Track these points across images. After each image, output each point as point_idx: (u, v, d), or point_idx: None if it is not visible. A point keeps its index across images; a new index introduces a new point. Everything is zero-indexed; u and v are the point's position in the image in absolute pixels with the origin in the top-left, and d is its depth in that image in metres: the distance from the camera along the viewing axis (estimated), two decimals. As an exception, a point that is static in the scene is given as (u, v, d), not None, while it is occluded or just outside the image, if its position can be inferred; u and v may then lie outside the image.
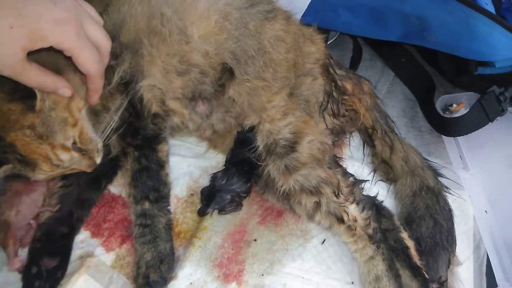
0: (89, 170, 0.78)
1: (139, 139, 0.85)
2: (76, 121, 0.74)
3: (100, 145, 0.79)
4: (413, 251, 0.84)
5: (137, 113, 0.84)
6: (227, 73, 0.84)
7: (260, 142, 0.87)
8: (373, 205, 0.89)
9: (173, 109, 0.87)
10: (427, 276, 0.81)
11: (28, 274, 0.80)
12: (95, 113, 0.82)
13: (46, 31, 0.60)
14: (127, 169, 0.85)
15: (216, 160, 1.00)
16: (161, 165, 0.86)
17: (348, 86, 0.97)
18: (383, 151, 0.97)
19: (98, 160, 0.79)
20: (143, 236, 0.84)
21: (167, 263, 0.84)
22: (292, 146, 0.84)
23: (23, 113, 0.68)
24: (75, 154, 0.75)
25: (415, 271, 0.82)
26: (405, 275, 0.82)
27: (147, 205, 0.84)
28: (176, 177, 0.97)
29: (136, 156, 0.84)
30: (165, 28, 0.80)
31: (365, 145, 1.02)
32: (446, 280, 0.83)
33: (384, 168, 0.98)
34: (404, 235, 0.86)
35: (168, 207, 0.88)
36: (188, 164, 1.00)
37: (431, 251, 0.85)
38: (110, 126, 0.80)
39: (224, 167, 0.94)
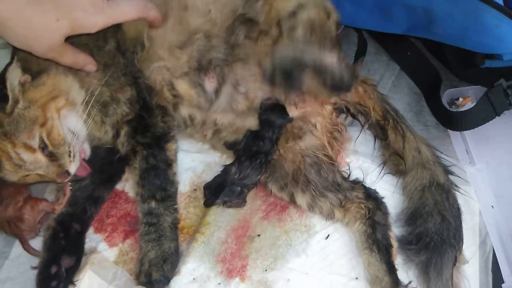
0: (58, 181, 0.77)
1: (148, 137, 0.85)
2: (46, 120, 0.74)
3: (74, 151, 0.77)
4: (394, 252, 0.86)
5: (147, 106, 0.84)
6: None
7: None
8: (374, 197, 0.91)
9: (181, 93, 0.87)
10: (398, 277, 0.84)
11: (45, 273, 0.79)
12: (104, 105, 0.82)
13: (82, 19, 0.69)
14: (135, 167, 0.85)
15: (220, 155, 1.00)
16: (169, 164, 0.87)
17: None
18: (396, 140, 0.96)
19: (71, 168, 0.77)
20: (148, 234, 0.84)
21: (170, 263, 0.84)
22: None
23: None
24: (41, 158, 0.74)
25: (391, 268, 0.84)
26: (381, 269, 0.84)
27: (153, 204, 0.84)
28: (179, 172, 0.96)
29: (144, 155, 0.84)
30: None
31: (376, 139, 1.01)
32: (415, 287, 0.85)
33: (395, 160, 0.97)
34: (392, 234, 0.88)
35: (175, 206, 0.87)
36: (192, 159, 1.00)
37: (436, 247, 0.85)
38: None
39: (236, 159, 0.92)
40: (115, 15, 0.72)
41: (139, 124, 0.84)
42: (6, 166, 0.74)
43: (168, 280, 0.83)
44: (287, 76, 0.76)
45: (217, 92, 0.89)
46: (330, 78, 0.76)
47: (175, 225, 0.86)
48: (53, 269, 0.78)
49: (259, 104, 0.91)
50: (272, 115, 0.90)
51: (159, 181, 0.84)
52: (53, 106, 0.75)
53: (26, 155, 0.73)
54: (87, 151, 0.83)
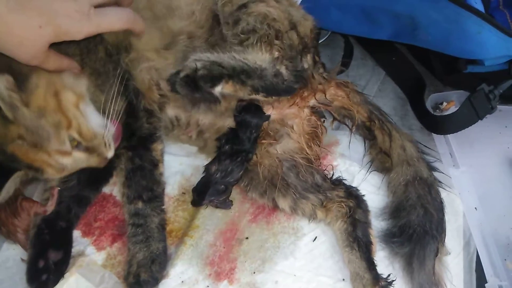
0: (101, 166, 0.77)
1: (134, 140, 0.85)
2: (70, 121, 0.72)
3: (108, 139, 0.77)
4: (374, 249, 0.87)
5: (133, 112, 0.84)
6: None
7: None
8: (355, 196, 0.92)
9: (167, 93, 0.87)
10: (378, 273, 0.85)
11: (34, 268, 0.79)
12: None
13: (67, 26, 0.67)
14: (121, 168, 0.85)
15: (208, 159, 1.00)
16: (155, 164, 0.86)
17: (332, 85, 0.98)
18: (383, 140, 0.98)
19: (109, 154, 0.77)
20: (135, 235, 0.84)
21: (158, 264, 0.83)
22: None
23: (4, 125, 0.69)
24: (80, 155, 0.74)
25: (371, 265, 0.85)
26: (361, 266, 0.85)
27: (140, 205, 0.84)
28: (167, 175, 0.96)
29: (130, 155, 0.84)
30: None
31: (365, 141, 1.03)
32: (395, 280, 0.85)
33: (382, 158, 0.98)
34: (372, 232, 0.89)
35: (162, 207, 0.87)
36: (180, 162, 1.00)
37: (419, 238, 0.86)
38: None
39: (216, 158, 0.93)
40: (102, 24, 0.71)
41: (124, 130, 0.84)
42: (49, 172, 0.73)
43: (156, 281, 0.83)
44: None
45: None
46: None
47: (162, 225, 0.86)
48: (41, 263, 0.79)
49: (235, 105, 0.92)
50: (248, 116, 0.90)
51: (145, 182, 0.84)
52: (68, 104, 0.73)
53: (65, 160, 0.72)
54: (112, 129, 0.80)
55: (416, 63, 1.17)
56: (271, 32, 0.84)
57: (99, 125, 0.77)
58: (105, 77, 0.82)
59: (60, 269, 0.81)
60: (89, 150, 0.75)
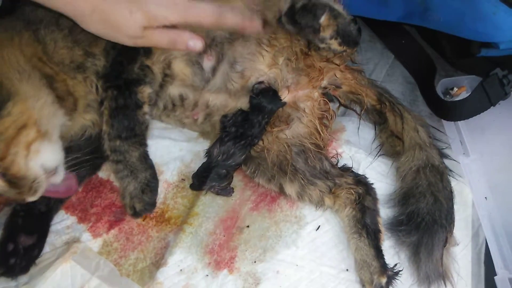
0: (17, 202, 0.76)
1: (120, 80, 0.82)
2: (5, 156, 0.69)
3: (38, 185, 0.72)
4: (382, 237, 0.86)
5: (133, 53, 0.82)
6: None
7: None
8: (364, 183, 0.91)
9: (175, 73, 0.86)
10: (386, 262, 0.84)
11: (3, 251, 0.79)
12: (79, 65, 0.80)
13: (155, 11, 0.72)
14: (106, 107, 0.82)
15: (209, 144, 0.97)
16: (139, 106, 0.84)
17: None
18: (395, 122, 0.95)
19: (29, 198, 0.73)
20: (119, 171, 0.84)
21: (149, 191, 0.85)
22: None
23: None
24: (0, 182, 0.70)
25: (379, 253, 0.84)
26: (369, 254, 0.84)
27: (117, 142, 0.82)
28: (167, 161, 0.95)
29: (114, 94, 0.82)
30: None
31: (375, 125, 1.00)
32: (401, 270, 0.84)
33: (393, 142, 0.96)
34: (380, 220, 0.88)
35: (142, 141, 0.85)
36: (180, 148, 0.98)
37: (428, 227, 0.84)
38: None
39: (217, 140, 0.90)
40: (190, 14, 0.73)
41: (113, 69, 0.82)
42: None
43: (152, 206, 0.86)
44: (306, 13, 0.75)
45: (214, 70, 0.87)
46: (343, 23, 0.77)
47: (144, 157, 0.85)
48: (10, 247, 0.79)
49: (252, 84, 0.89)
50: (264, 100, 0.88)
51: (127, 121, 0.82)
52: (22, 141, 0.70)
53: None
54: (59, 178, 0.77)
55: (426, 46, 1.13)
56: None
57: (42, 168, 0.73)
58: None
59: (30, 255, 0.80)
60: (11, 184, 0.71)
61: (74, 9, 0.71)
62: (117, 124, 0.81)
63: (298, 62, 0.90)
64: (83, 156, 0.84)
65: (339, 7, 0.78)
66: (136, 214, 0.85)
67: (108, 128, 0.82)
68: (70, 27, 0.78)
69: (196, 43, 0.77)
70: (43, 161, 0.72)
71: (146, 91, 0.84)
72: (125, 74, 0.82)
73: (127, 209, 0.85)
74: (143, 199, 0.84)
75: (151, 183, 0.85)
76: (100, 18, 0.71)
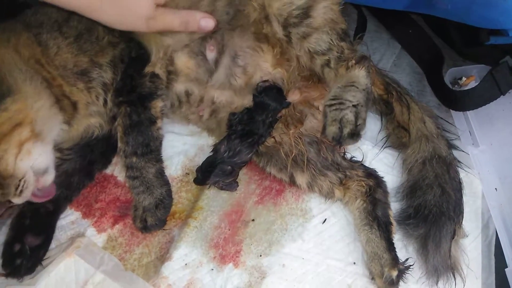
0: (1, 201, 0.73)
1: (133, 96, 0.82)
2: None
3: (25, 186, 0.71)
4: (393, 230, 0.86)
5: (141, 64, 0.82)
6: None
7: (276, 25, 0.83)
8: (375, 176, 0.90)
9: (179, 68, 0.85)
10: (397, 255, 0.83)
11: (9, 251, 0.78)
12: (84, 72, 0.79)
13: None
14: (119, 124, 0.83)
15: (213, 138, 0.97)
16: (153, 121, 0.84)
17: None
18: (401, 113, 0.94)
19: (15, 200, 0.72)
20: (135, 187, 0.84)
21: (163, 207, 0.84)
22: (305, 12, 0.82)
23: None
24: None
25: (391, 245, 0.83)
26: (380, 246, 0.83)
27: (134, 159, 0.82)
28: (170, 155, 0.94)
29: (128, 111, 0.82)
30: None
31: (382, 116, 0.98)
32: (412, 265, 0.83)
33: (399, 133, 0.95)
34: (391, 213, 0.88)
35: (158, 156, 0.86)
36: (184, 142, 0.97)
37: (435, 220, 0.83)
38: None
39: (225, 137, 0.90)
40: None
41: (124, 84, 0.82)
42: None
43: (163, 223, 0.85)
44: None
45: (217, 63, 0.87)
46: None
47: (160, 173, 0.85)
48: (16, 247, 0.78)
49: (256, 82, 0.88)
50: (267, 98, 0.87)
51: (142, 138, 0.82)
52: (15, 139, 0.69)
53: None
54: (48, 181, 0.76)
55: (433, 36, 1.11)
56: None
57: (31, 168, 0.71)
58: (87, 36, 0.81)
59: (36, 256, 0.79)
60: None
61: (82, 1, 0.70)
62: (132, 141, 0.81)
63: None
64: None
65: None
66: (145, 228, 0.84)
67: (123, 145, 0.82)
68: (75, 36, 0.78)
69: (208, 22, 0.77)
70: (33, 162, 0.71)
71: (158, 105, 0.84)
72: (138, 88, 0.82)
73: (137, 221, 0.84)
74: (155, 213, 0.83)
75: (165, 200, 0.85)
76: (110, 3, 0.70)
